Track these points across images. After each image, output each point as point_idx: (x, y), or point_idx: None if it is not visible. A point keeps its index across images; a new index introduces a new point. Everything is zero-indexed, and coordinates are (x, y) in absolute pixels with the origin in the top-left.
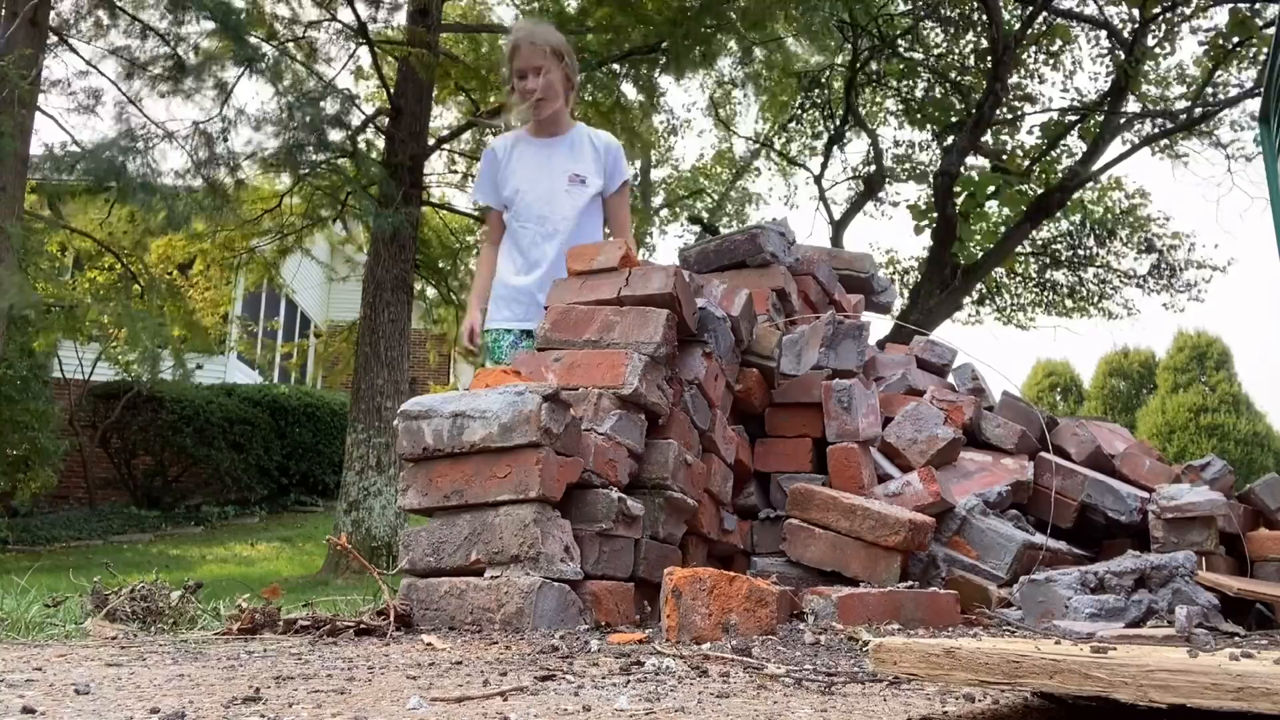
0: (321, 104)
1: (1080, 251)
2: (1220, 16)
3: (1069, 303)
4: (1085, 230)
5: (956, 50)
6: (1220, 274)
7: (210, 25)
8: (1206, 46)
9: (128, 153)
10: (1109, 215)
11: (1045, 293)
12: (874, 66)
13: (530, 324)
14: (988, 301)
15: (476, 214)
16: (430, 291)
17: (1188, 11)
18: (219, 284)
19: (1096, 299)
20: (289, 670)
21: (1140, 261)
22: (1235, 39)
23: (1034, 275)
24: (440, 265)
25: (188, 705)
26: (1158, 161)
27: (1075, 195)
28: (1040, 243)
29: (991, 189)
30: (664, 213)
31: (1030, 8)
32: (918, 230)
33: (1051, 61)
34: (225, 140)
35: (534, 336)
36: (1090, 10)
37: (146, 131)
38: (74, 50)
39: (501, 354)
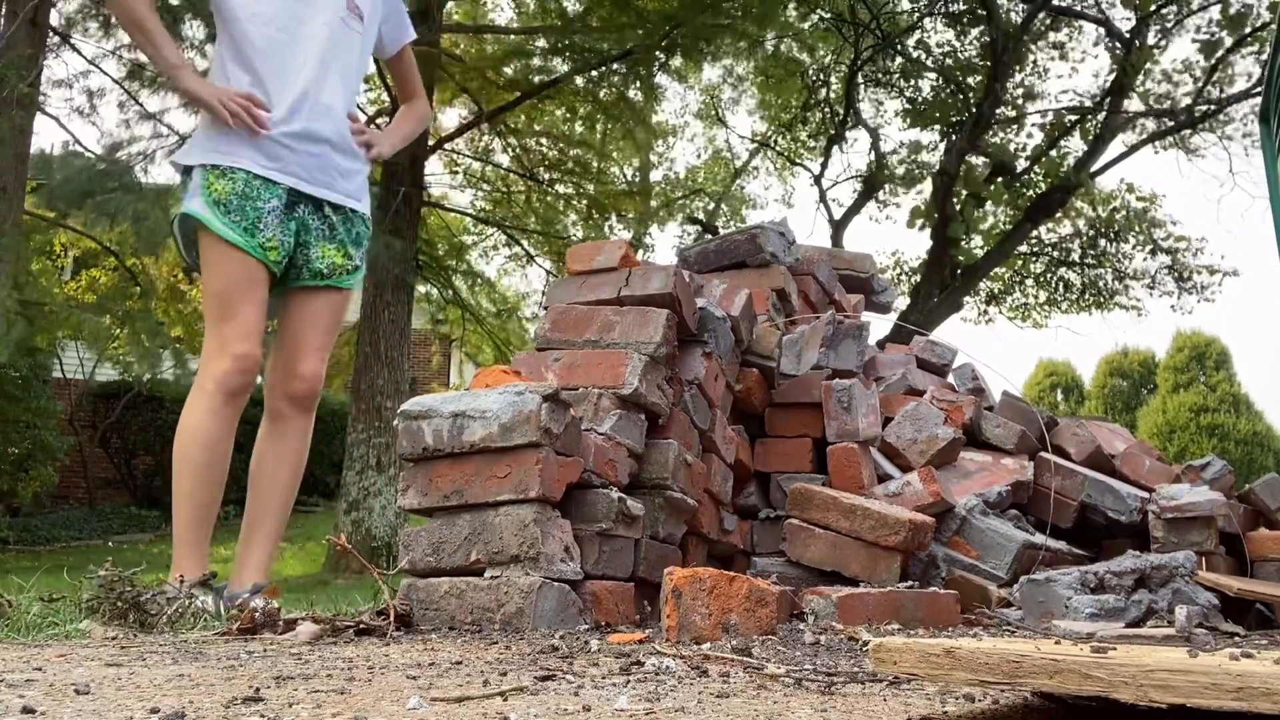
0: None
1: (1092, 252)
2: (1217, 10)
3: (1086, 298)
4: (1095, 230)
5: (961, 48)
6: (1232, 278)
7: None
8: (1200, 44)
9: (106, 172)
10: (1118, 217)
11: (1058, 291)
12: (876, 64)
13: (310, 186)
14: (996, 302)
15: (476, 214)
16: (433, 292)
17: (1185, 9)
18: None
19: (1111, 296)
20: (289, 670)
21: (1149, 262)
22: (1231, 39)
23: (1041, 275)
24: (444, 263)
25: (188, 705)
26: (1163, 159)
27: (1085, 196)
28: (1049, 242)
29: (986, 193)
30: (661, 212)
31: (1029, 7)
32: (909, 224)
33: (1042, 72)
34: None
35: (312, 203)
36: (1089, 8)
37: (130, 146)
38: (76, 50)
39: (234, 188)
